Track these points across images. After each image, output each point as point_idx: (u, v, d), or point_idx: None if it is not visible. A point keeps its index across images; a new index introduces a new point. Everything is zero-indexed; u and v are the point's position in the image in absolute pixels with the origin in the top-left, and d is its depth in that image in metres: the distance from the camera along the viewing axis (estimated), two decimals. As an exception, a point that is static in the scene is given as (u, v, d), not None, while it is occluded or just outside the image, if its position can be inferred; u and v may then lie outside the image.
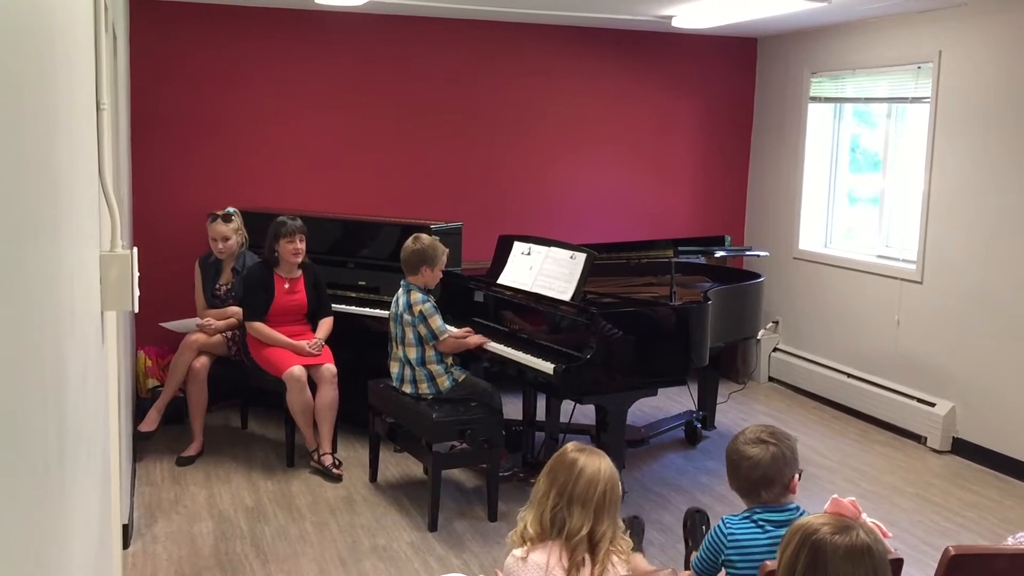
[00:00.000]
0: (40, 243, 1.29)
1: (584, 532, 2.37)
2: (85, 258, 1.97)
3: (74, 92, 1.86)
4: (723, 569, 2.61)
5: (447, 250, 4.69)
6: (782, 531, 2.53)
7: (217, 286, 5.35)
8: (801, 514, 2.59)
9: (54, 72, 1.53)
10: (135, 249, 2.20)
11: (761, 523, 2.58)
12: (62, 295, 1.51)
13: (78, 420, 1.64)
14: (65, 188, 1.65)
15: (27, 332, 1.13)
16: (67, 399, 1.47)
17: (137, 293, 2.17)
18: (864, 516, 2.02)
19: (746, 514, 2.62)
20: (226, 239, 5.23)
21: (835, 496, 2.04)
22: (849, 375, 6.38)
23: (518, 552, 2.43)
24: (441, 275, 4.66)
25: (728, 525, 2.59)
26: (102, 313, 2.20)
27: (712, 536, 2.62)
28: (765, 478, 2.56)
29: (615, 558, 2.42)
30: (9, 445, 0.95)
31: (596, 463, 2.44)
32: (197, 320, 5.27)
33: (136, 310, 2.18)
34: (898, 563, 2.36)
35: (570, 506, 2.39)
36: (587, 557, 2.38)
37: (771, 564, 2.30)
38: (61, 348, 1.44)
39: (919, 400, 5.81)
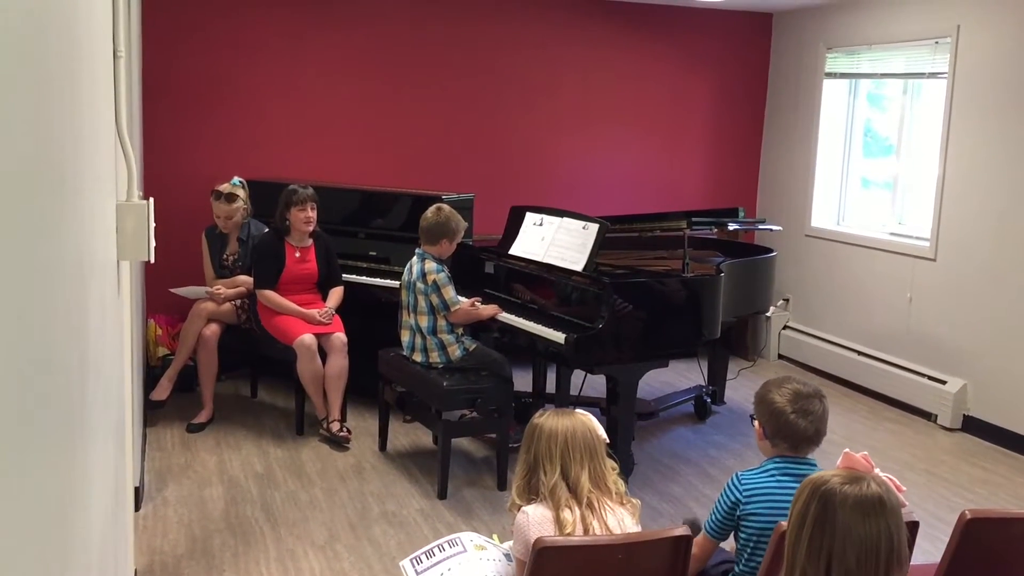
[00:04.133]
0: (65, 190, 1.28)
1: (555, 479, 2.44)
2: (103, 207, 1.96)
3: (93, 38, 1.85)
4: (736, 528, 2.60)
5: (467, 224, 4.68)
6: (798, 484, 2.53)
7: (224, 256, 5.35)
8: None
9: (75, 14, 1.52)
10: (151, 199, 2.19)
11: (775, 474, 2.58)
12: (83, 240, 1.51)
13: (98, 356, 1.63)
14: (88, 136, 1.64)
15: (53, 262, 1.13)
16: (88, 335, 1.47)
17: (153, 244, 2.16)
18: (877, 470, 2.00)
19: (761, 468, 2.62)
20: (229, 217, 5.23)
21: (847, 450, 2.03)
22: (860, 353, 6.36)
23: (528, 509, 2.46)
24: (455, 247, 4.66)
25: (742, 480, 2.58)
26: (118, 263, 2.19)
27: (725, 494, 2.60)
28: (818, 433, 2.58)
29: (608, 502, 2.44)
30: (42, 361, 0.95)
31: (554, 421, 2.52)
32: (206, 288, 5.27)
33: (152, 260, 2.17)
34: (913, 526, 2.36)
35: (540, 466, 2.49)
36: (571, 502, 2.43)
37: (785, 524, 2.29)
38: (84, 284, 1.43)
39: (930, 378, 5.79)
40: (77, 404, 1.35)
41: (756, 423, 2.67)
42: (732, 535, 2.66)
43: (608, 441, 2.57)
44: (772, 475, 2.58)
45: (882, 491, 1.81)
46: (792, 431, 2.56)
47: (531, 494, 2.49)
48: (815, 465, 2.60)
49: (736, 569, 2.63)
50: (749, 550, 2.56)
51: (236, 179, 5.30)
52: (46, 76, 1.11)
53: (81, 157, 1.51)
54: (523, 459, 2.54)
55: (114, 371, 2.19)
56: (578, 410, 2.62)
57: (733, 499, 2.57)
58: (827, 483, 1.84)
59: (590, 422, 2.53)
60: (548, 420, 2.52)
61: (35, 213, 1.00)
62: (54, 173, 1.17)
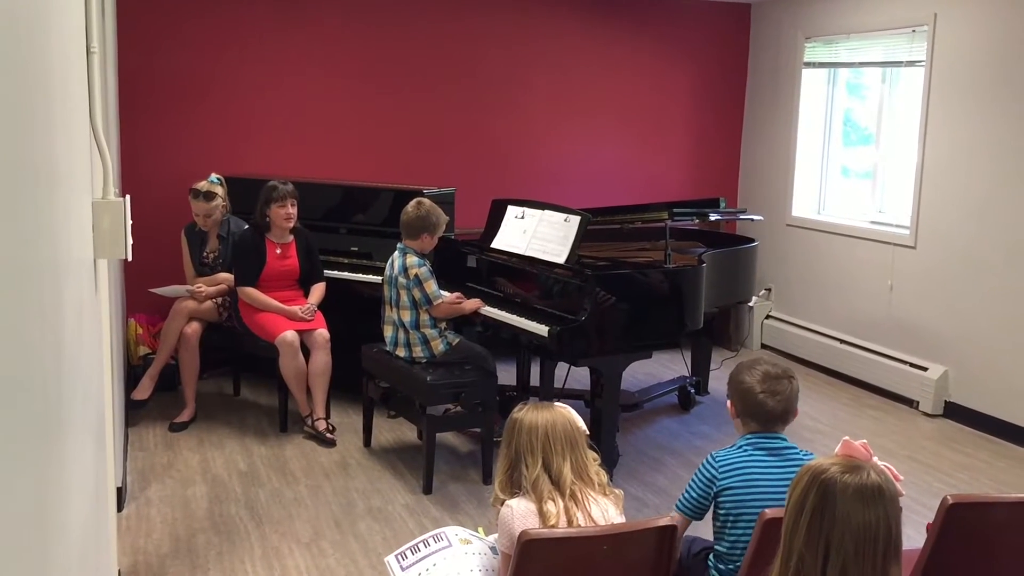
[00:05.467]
0: (38, 187, 1.26)
1: (537, 472, 2.44)
2: (78, 204, 1.93)
3: (65, 34, 1.82)
4: (712, 506, 2.63)
5: (448, 218, 4.67)
6: (774, 459, 2.58)
7: (204, 254, 5.32)
8: (793, 446, 2.63)
9: (47, 8, 1.50)
10: (127, 197, 2.17)
11: (748, 450, 2.64)
12: (58, 238, 1.49)
13: (75, 355, 1.62)
14: (61, 133, 1.62)
15: (26, 260, 1.11)
16: (63, 334, 1.45)
17: (131, 241, 2.14)
18: (875, 459, 2.01)
19: (734, 446, 2.68)
20: (208, 216, 5.19)
21: (846, 438, 2.04)
22: (842, 341, 6.39)
23: (512, 502, 2.45)
24: (436, 241, 4.65)
25: (716, 457, 2.65)
26: (95, 262, 2.17)
27: (700, 472, 2.65)
28: (787, 411, 2.65)
29: (591, 493, 2.45)
30: (13, 360, 0.93)
31: (533, 415, 2.52)
32: (187, 286, 5.23)
33: (130, 258, 2.15)
34: (897, 512, 2.36)
35: (521, 460, 2.49)
36: (554, 494, 2.43)
37: (770, 512, 2.30)
38: (58, 283, 1.41)
39: (911, 365, 5.83)
40: (53, 404, 1.33)
41: (729, 402, 2.75)
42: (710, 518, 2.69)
43: (588, 432, 2.58)
44: (745, 450, 2.64)
45: (881, 480, 1.82)
46: (760, 410, 2.64)
47: (514, 488, 2.49)
48: (785, 439, 2.66)
49: (717, 549, 2.65)
50: (728, 525, 2.60)
51: (214, 176, 5.26)
52: (17, 72, 1.09)
53: (55, 154, 1.49)
54: (504, 454, 2.55)
55: (93, 370, 2.17)
56: (557, 403, 2.62)
57: (709, 475, 2.62)
58: (827, 471, 1.84)
59: (569, 414, 2.54)
60: (528, 414, 2.52)
61: (7, 211, 0.98)
62: (27, 171, 1.15)
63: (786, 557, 1.87)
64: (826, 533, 1.80)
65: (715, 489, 2.60)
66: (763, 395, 2.63)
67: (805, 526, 1.82)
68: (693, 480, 2.67)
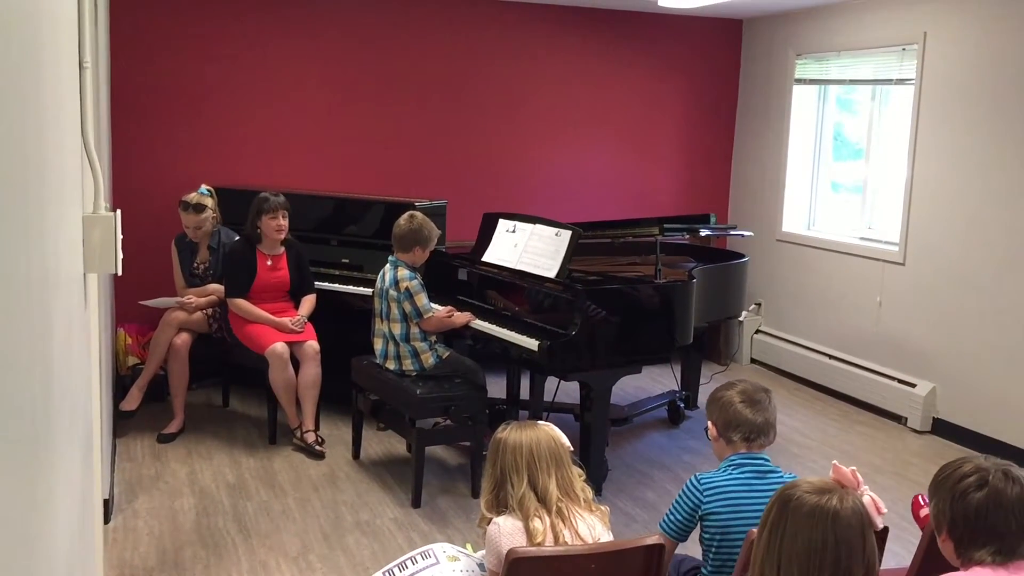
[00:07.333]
0: (28, 202, 1.27)
1: (523, 490, 2.45)
2: (69, 219, 1.93)
3: (58, 48, 1.83)
4: (698, 526, 2.63)
5: (440, 232, 4.68)
6: (759, 481, 2.58)
7: (195, 265, 5.31)
8: (778, 470, 2.64)
9: (39, 22, 1.50)
10: (118, 211, 2.17)
11: (732, 471, 2.63)
12: (47, 253, 1.49)
13: (63, 369, 1.61)
14: (53, 147, 1.62)
15: (15, 275, 1.11)
16: (52, 348, 1.45)
17: (121, 256, 2.14)
18: (865, 488, 2.01)
19: (719, 469, 2.68)
20: (198, 228, 5.19)
21: (835, 463, 2.05)
22: (831, 356, 6.41)
23: (499, 520, 2.46)
24: (428, 254, 4.65)
25: (701, 480, 2.63)
26: (84, 276, 2.17)
27: (684, 493, 2.63)
28: (768, 424, 2.67)
29: (578, 509, 2.46)
30: (1, 374, 0.93)
31: (518, 434, 2.53)
32: (178, 298, 5.22)
33: (120, 273, 2.15)
34: (883, 532, 2.37)
35: (507, 479, 2.49)
36: (541, 511, 2.44)
37: (757, 531, 2.31)
38: (47, 300, 1.41)
39: (900, 381, 5.85)
40: (41, 418, 1.33)
41: (709, 424, 2.75)
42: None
43: (572, 449, 2.58)
44: (729, 472, 2.63)
45: (841, 507, 1.81)
46: (741, 420, 2.65)
47: (500, 507, 2.49)
48: (768, 460, 2.66)
49: (703, 571, 2.65)
50: (714, 549, 2.59)
51: (204, 188, 5.26)
52: (9, 86, 1.10)
53: (46, 169, 1.49)
54: (490, 474, 2.54)
55: (81, 384, 2.16)
56: (540, 421, 2.63)
57: (694, 500, 2.60)
58: (792, 488, 1.86)
59: (553, 431, 2.54)
60: (512, 433, 2.52)
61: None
62: (18, 185, 1.16)
63: (752, 569, 1.88)
64: (778, 550, 1.81)
65: (700, 513, 2.60)
66: (743, 405, 2.66)
67: (765, 541, 1.84)
68: (678, 502, 2.65)
